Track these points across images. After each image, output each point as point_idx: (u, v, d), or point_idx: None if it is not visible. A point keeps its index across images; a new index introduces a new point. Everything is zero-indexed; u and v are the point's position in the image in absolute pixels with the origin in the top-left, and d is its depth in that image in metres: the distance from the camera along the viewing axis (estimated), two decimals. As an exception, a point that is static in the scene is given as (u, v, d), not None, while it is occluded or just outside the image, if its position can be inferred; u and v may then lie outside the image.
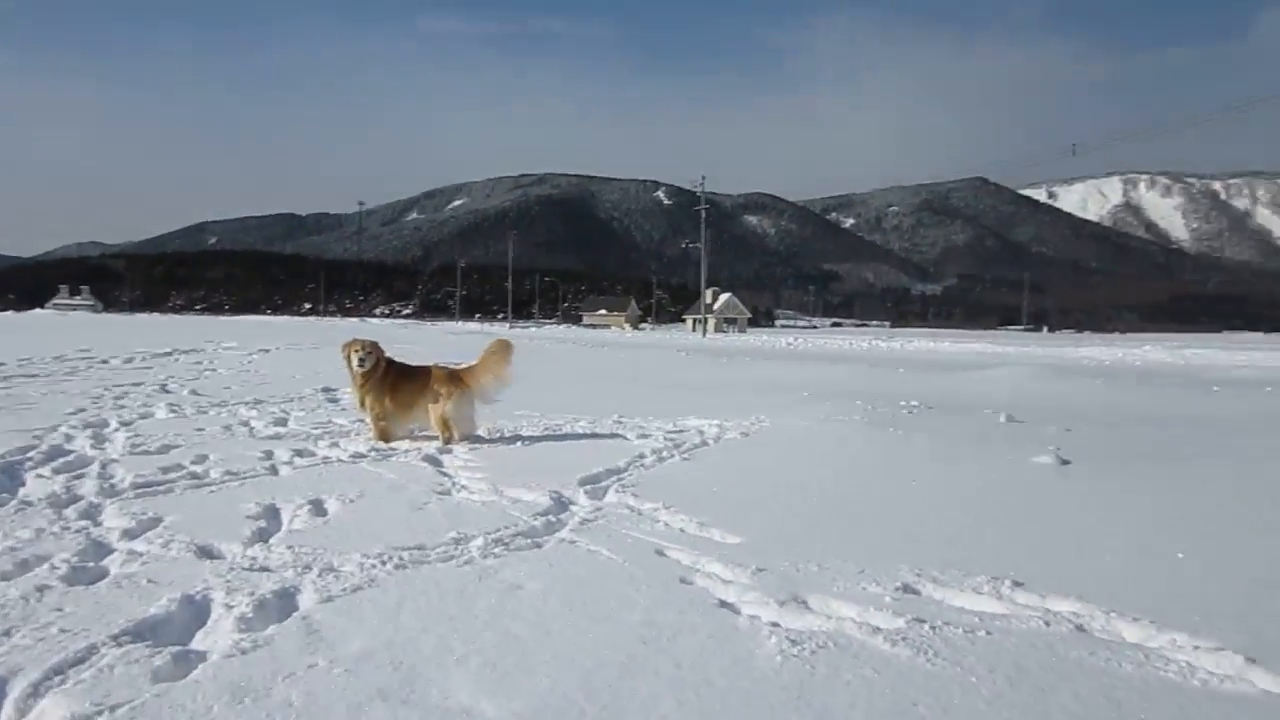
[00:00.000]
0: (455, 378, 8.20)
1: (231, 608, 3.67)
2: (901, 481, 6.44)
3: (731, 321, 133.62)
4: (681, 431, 8.89)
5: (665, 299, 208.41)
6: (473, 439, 8.18)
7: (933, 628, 3.55)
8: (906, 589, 4.06)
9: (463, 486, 6.23)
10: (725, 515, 5.36)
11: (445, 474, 6.71)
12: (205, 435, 8.29)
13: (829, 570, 4.31)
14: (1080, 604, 3.83)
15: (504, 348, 8.40)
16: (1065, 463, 7.03)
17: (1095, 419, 10.29)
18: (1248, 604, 3.82)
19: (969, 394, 13.94)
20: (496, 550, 4.62)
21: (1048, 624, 3.60)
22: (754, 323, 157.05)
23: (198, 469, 6.57)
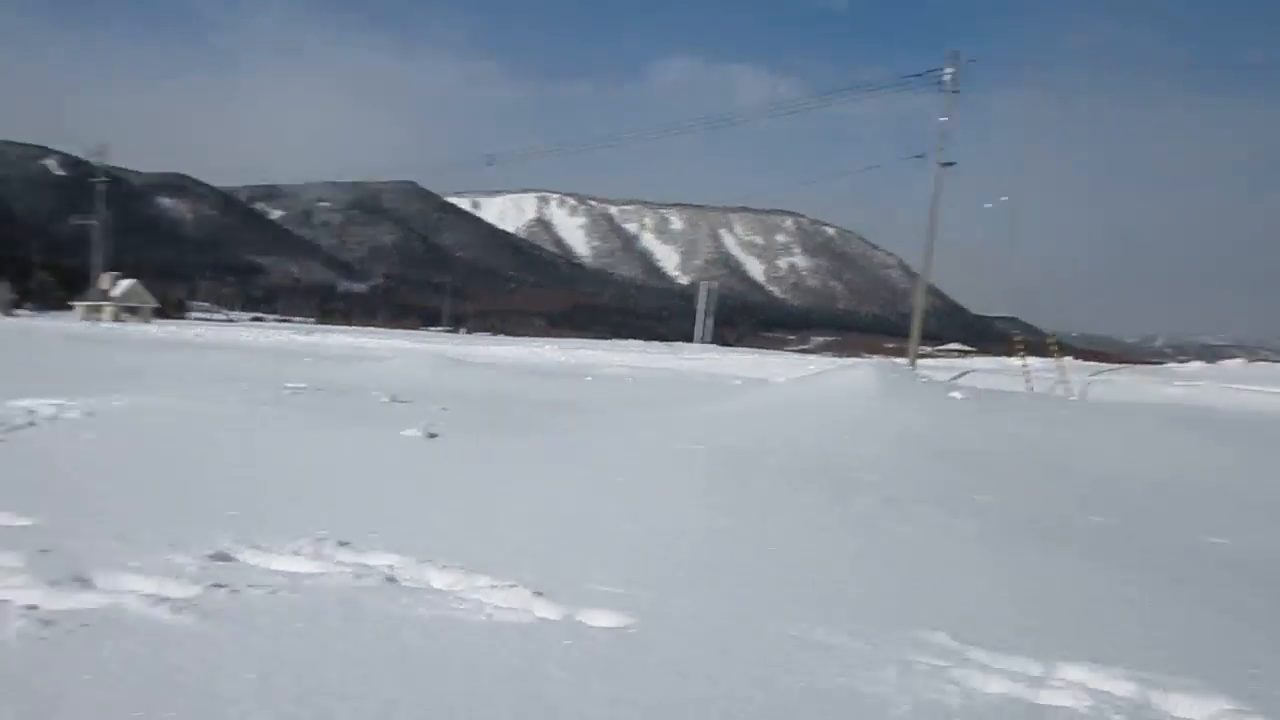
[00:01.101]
0: None
1: None
2: (266, 454, 6.07)
3: (134, 311, 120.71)
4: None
5: (52, 282, 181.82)
6: None
7: (232, 592, 3.27)
8: (220, 557, 3.73)
9: None
10: (25, 500, 4.54)
11: None
12: None
13: (132, 543, 3.81)
14: (398, 557, 3.82)
15: None
16: (433, 435, 7.19)
17: (474, 400, 10.82)
18: (548, 546, 4.11)
19: (365, 380, 13.93)
20: None
21: (358, 577, 3.52)
22: (163, 314, 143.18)
23: None
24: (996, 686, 2.91)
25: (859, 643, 3.15)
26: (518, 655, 2.85)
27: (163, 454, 5.94)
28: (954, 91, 32.52)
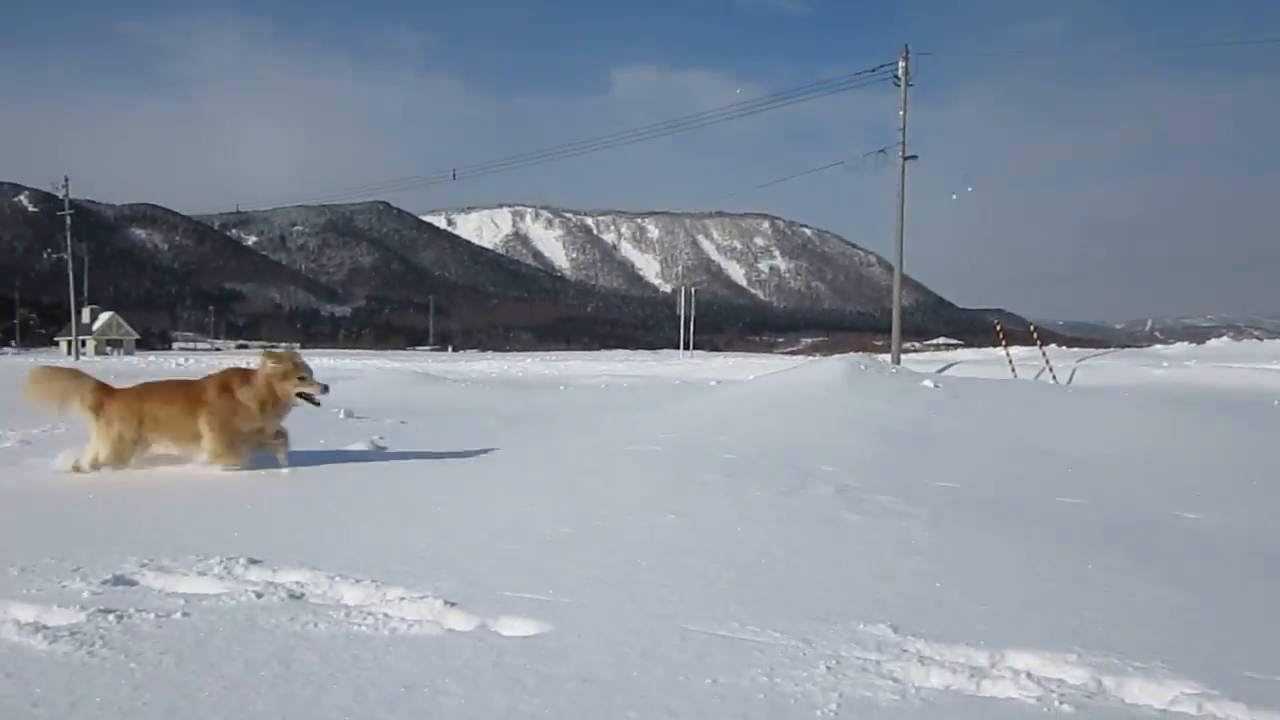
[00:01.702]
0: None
1: None
2: (187, 473, 5.85)
3: (117, 343, 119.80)
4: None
5: (34, 320, 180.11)
6: None
7: (120, 617, 3.04)
8: (119, 581, 3.51)
9: None
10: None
11: None
12: None
13: (35, 573, 3.58)
14: (311, 573, 3.61)
15: None
16: (381, 448, 7.01)
17: (438, 414, 10.61)
18: (472, 554, 3.90)
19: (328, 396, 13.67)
20: None
21: (260, 595, 3.30)
22: (147, 345, 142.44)
23: None
24: (935, 680, 2.72)
25: (791, 640, 2.95)
26: (415, 669, 2.64)
27: (74, 477, 5.74)
28: (908, 85, 32.65)
